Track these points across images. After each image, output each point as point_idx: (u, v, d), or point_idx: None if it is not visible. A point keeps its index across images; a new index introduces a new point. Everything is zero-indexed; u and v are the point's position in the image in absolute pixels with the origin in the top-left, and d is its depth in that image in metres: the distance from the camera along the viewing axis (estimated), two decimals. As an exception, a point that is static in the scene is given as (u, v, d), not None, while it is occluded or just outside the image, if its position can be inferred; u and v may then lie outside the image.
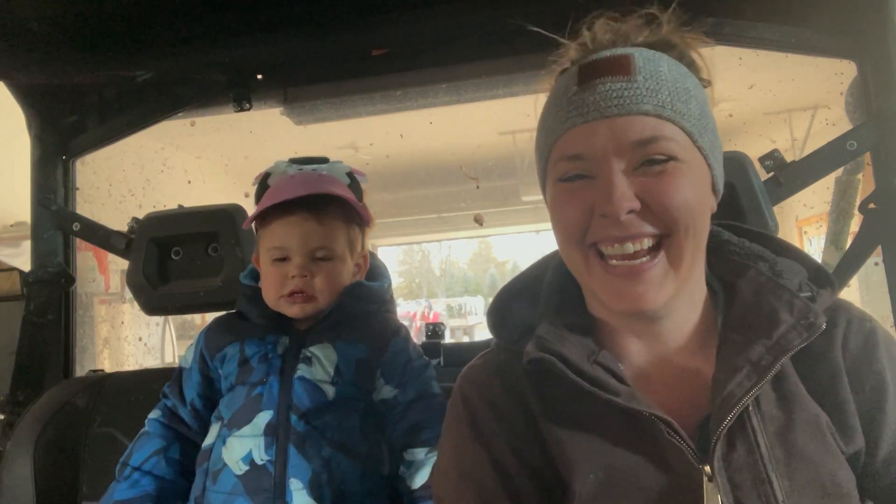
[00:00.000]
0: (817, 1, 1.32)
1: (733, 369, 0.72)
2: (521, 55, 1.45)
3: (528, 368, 0.79)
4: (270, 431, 1.04)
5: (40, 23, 1.32)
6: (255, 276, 1.18)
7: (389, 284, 1.24)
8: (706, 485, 0.68)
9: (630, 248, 0.73)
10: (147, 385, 1.46)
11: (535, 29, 0.88)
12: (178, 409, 1.17)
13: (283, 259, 1.10)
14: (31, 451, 1.35)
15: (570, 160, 0.75)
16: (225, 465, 1.05)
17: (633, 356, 0.80)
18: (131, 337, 4.26)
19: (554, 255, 0.88)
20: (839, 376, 0.75)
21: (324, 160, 1.19)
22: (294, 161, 1.18)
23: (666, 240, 0.73)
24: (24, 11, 1.27)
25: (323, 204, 1.09)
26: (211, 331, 1.19)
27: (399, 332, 1.15)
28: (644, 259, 0.73)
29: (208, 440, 1.11)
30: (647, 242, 0.73)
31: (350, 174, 1.19)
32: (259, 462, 1.03)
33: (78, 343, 1.65)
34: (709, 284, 0.84)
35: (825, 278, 0.81)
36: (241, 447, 1.04)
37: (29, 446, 1.35)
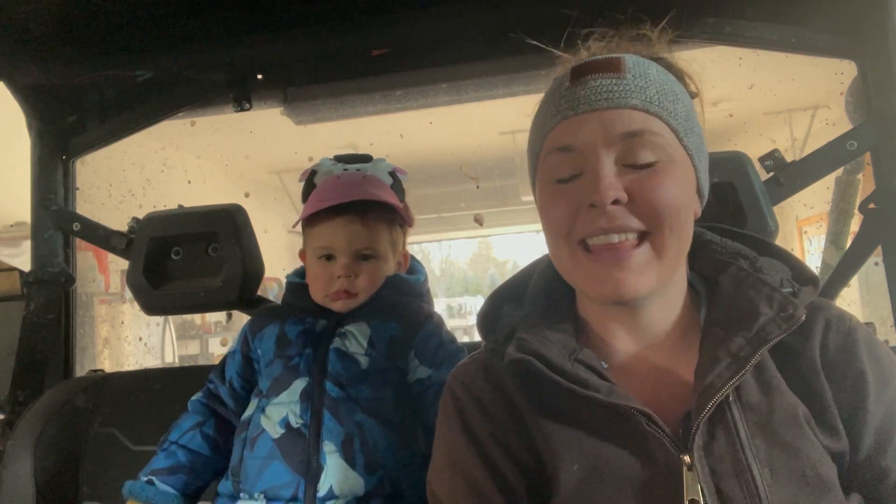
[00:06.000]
0: (817, 1, 1.32)
1: (714, 361, 0.74)
2: (521, 55, 1.45)
3: (510, 369, 0.81)
4: (305, 397, 1.09)
5: (40, 23, 1.32)
6: (301, 273, 1.23)
7: (426, 279, 1.28)
8: (685, 474, 0.70)
9: (615, 237, 0.75)
10: (147, 385, 1.46)
11: (533, 42, 0.90)
12: (219, 388, 1.22)
13: (329, 258, 1.15)
14: (31, 450, 1.35)
15: (560, 151, 0.77)
16: (262, 430, 1.09)
17: (618, 353, 0.82)
18: (131, 337, 4.26)
19: (542, 259, 0.91)
20: (817, 374, 0.76)
21: (367, 158, 1.23)
22: (339, 159, 1.23)
23: (650, 235, 0.75)
24: (24, 11, 1.27)
25: (368, 207, 1.14)
26: (255, 316, 1.27)
27: (432, 317, 1.19)
28: (628, 247, 0.75)
29: (247, 412, 1.15)
30: (631, 236, 0.75)
31: (392, 173, 1.23)
32: (294, 425, 1.07)
33: (78, 343, 1.65)
34: (692, 284, 0.86)
35: (808, 276, 0.82)
36: (277, 413, 1.09)
37: (29, 446, 1.35)
